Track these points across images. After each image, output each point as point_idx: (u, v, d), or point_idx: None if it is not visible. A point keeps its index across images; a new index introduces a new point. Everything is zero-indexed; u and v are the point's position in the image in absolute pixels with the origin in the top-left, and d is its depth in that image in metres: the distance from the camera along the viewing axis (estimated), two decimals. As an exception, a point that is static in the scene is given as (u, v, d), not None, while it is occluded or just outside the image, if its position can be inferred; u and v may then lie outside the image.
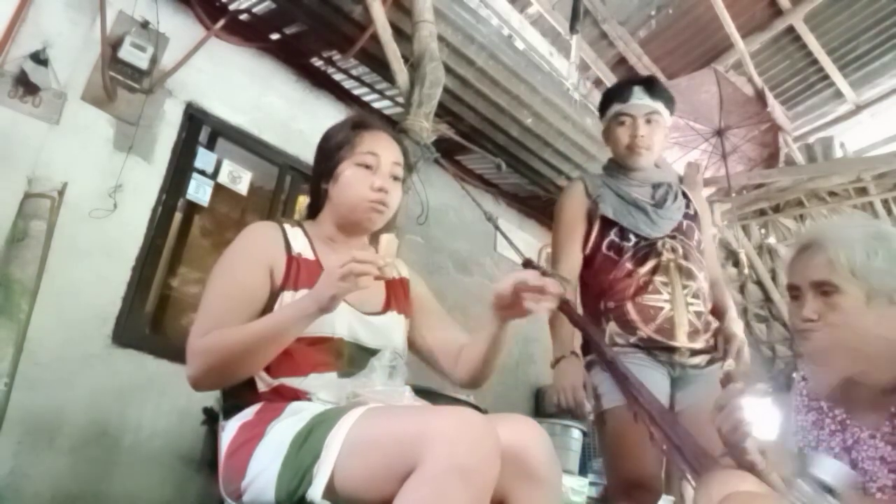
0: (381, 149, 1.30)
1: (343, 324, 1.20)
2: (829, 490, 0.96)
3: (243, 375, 1.13)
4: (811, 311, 1.20)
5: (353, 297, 1.23)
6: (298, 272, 1.22)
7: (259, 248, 1.24)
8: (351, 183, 1.27)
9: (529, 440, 1.05)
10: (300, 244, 1.28)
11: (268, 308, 1.19)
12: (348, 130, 1.33)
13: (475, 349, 1.24)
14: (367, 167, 1.28)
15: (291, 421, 1.06)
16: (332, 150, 1.32)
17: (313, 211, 1.38)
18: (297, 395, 1.15)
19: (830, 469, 1.00)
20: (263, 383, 1.17)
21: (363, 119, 1.38)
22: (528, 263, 1.64)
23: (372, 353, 1.22)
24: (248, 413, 1.14)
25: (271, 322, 1.09)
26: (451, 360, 1.31)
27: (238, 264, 1.21)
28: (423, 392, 1.31)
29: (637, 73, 5.37)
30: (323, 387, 1.16)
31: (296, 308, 1.09)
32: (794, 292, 1.26)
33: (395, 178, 1.31)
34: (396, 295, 1.36)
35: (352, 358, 1.20)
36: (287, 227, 1.30)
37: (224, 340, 1.08)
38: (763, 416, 1.31)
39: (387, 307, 1.32)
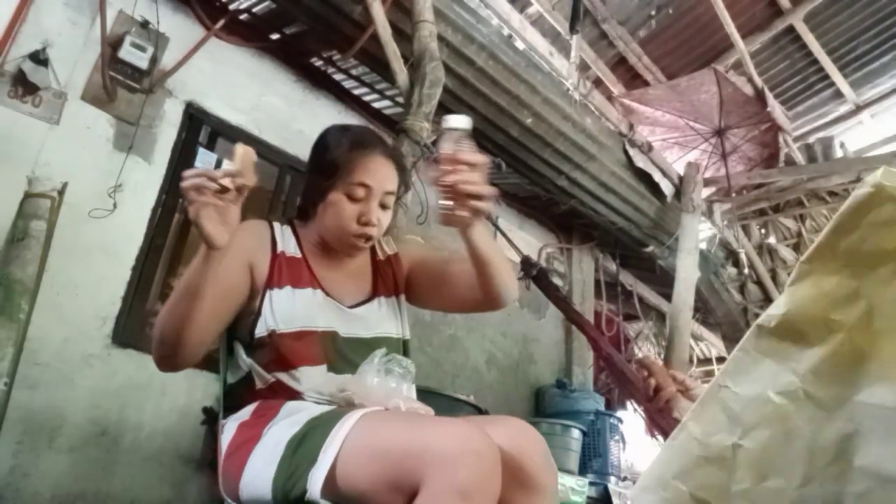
0: (374, 179, 1.26)
1: (327, 317, 1.23)
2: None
3: (186, 341, 1.08)
4: None
5: (334, 291, 1.27)
6: (282, 270, 1.25)
7: (241, 245, 1.24)
8: (338, 214, 1.25)
9: (525, 446, 1.03)
10: (288, 243, 1.31)
11: (248, 306, 1.22)
12: (344, 152, 1.28)
13: (469, 271, 1.24)
14: (357, 199, 1.25)
15: (287, 423, 1.07)
16: (324, 170, 1.28)
17: (303, 213, 1.36)
18: (291, 395, 1.16)
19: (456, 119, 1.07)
20: (260, 380, 1.19)
21: (361, 140, 1.32)
22: (526, 261, 1.64)
23: (361, 344, 1.23)
24: (246, 413, 1.16)
25: (185, 273, 1.07)
26: (462, 293, 1.30)
27: None
28: (422, 392, 1.31)
29: (639, 75, 5.38)
30: (315, 383, 1.17)
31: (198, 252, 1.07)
32: None
33: (385, 208, 1.30)
34: (385, 276, 1.37)
35: (340, 350, 1.22)
36: (276, 225, 1.33)
37: (161, 311, 1.09)
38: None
39: (374, 293, 1.34)
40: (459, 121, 1.08)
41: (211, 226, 0.99)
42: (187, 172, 0.98)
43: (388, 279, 1.37)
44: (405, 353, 1.33)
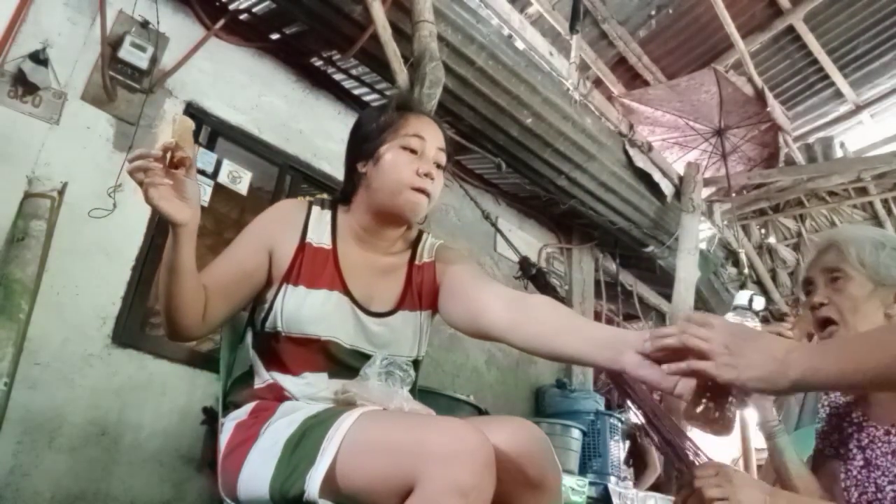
0: (427, 132, 1.25)
1: (334, 326, 1.18)
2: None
3: (179, 314, 1.11)
4: (821, 297, 1.29)
5: (359, 291, 1.22)
6: (302, 265, 1.21)
7: (267, 228, 1.24)
8: (394, 166, 1.21)
9: (529, 446, 1.02)
10: (320, 231, 1.25)
11: (264, 293, 1.21)
12: (392, 111, 1.27)
13: (555, 344, 1.09)
14: (412, 151, 1.22)
15: (285, 422, 1.06)
16: (373, 131, 1.25)
17: (346, 196, 1.31)
18: (287, 398, 1.15)
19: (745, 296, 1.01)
20: (259, 378, 1.19)
21: (408, 100, 1.35)
22: (524, 262, 1.64)
23: (366, 357, 1.20)
24: (243, 412, 1.15)
25: (164, 250, 1.10)
26: (483, 327, 1.17)
27: (243, 236, 1.25)
28: (422, 392, 1.31)
29: (639, 75, 5.38)
30: (313, 390, 1.16)
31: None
32: (809, 287, 1.34)
33: (439, 166, 1.25)
34: (415, 287, 1.29)
35: (343, 361, 1.19)
36: (315, 209, 1.28)
37: None
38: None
39: (399, 305, 1.26)
40: (757, 302, 0.90)
41: (167, 204, 1.01)
42: (129, 157, 0.99)
43: (418, 291, 1.29)
44: (415, 370, 1.27)
